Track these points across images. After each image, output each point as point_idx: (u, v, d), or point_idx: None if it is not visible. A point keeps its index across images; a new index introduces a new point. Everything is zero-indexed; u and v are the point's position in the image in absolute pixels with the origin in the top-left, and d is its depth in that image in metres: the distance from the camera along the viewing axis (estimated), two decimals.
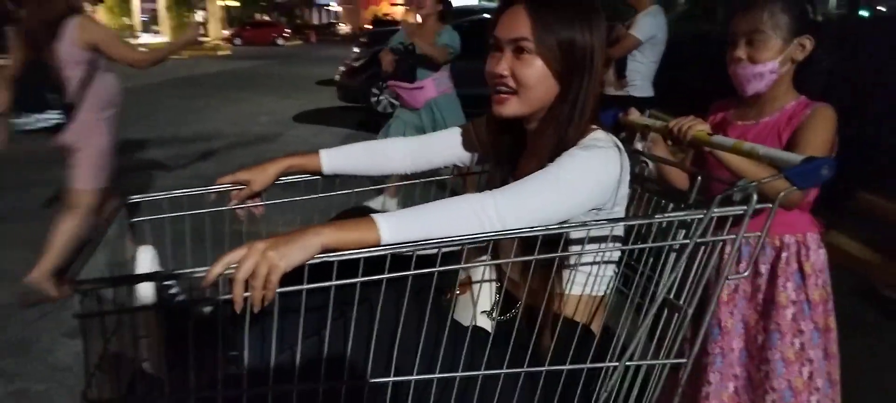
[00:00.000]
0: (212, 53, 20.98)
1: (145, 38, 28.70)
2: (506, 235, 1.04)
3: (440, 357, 1.08)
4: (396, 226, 0.99)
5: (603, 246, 1.19)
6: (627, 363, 1.17)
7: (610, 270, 1.26)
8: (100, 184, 2.97)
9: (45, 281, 2.76)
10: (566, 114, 1.19)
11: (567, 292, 1.23)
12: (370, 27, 22.35)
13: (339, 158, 1.48)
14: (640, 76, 4.40)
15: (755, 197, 1.05)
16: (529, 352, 1.13)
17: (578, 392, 1.18)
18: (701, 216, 1.07)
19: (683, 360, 1.20)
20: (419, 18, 4.11)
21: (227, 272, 0.92)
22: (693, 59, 6.84)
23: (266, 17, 37.29)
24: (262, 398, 1.07)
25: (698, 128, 1.34)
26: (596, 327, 1.27)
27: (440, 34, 4.13)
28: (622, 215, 1.21)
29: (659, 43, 4.36)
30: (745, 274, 1.12)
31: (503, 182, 1.22)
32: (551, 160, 1.15)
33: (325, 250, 0.95)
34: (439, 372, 1.09)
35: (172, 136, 7.06)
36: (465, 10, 10.83)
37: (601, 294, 1.26)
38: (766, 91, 1.55)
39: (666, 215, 1.11)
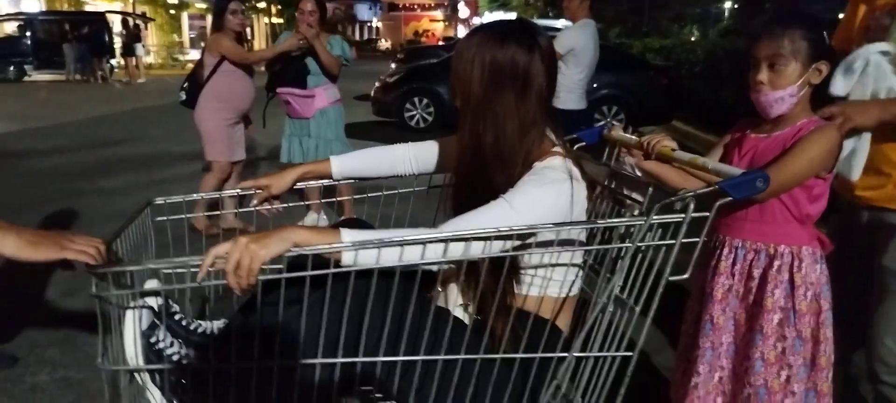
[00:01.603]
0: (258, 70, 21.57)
1: (193, 54, 29.69)
2: (451, 239, 1.16)
3: (424, 342, 1.23)
4: (355, 233, 1.15)
5: (550, 249, 1.29)
6: (575, 354, 1.26)
7: (571, 273, 1.36)
8: (219, 157, 4.09)
9: (199, 222, 3.90)
10: (469, 139, 1.31)
11: (525, 293, 1.35)
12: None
13: (347, 164, 1.66)
14: (565, 89, 4.37)
15: (692, 205, 1.14)
16: (486, 341, 1.26)
17: (543, 381, 1.29)
18: (641, 222, 1.18)
19: (630, 353, 1.27)
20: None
21: (217, 263, 1.09)
22: (735, 74, 6.77)
23: None
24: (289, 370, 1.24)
25: (663, 144, 1.47)
26: (563, 324, 1.38)
27: (331, 43, 4.07)
28: (624, 221, 1.32)
29: (580, 55, 4.36)
30: (686, 275, 1.20)
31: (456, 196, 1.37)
32: (462, 178, 1.34)
33: (297, 246, 1.11)
34: (422, 355, 1.23)
35: None
36: None
37: (562, 295, 1.37)
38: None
39: (608, 221, 1.24)
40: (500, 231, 1.16)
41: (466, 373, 1.26)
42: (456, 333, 1.25)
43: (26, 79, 16.41)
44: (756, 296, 1.67)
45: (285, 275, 1.16)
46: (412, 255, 1.16)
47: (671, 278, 1.19)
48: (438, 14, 38.81)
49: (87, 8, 22.78)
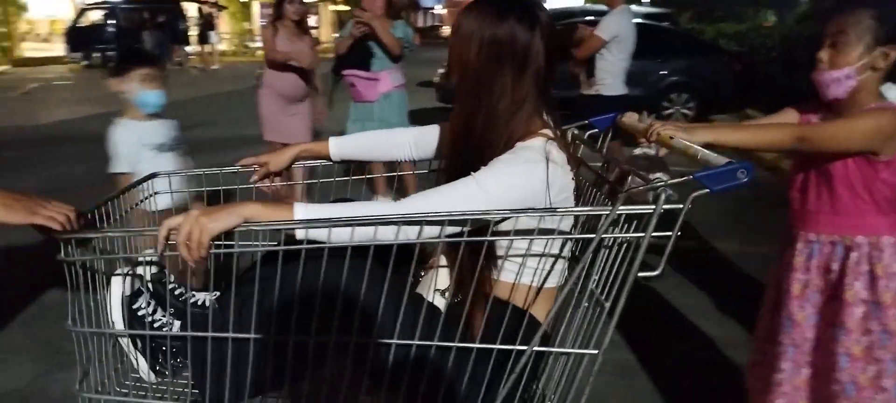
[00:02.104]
0: (324, 55, 22.04)
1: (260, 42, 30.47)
2: (407, 219, 1.13)
3: (398, 326, 1.20)
4: (308, 209, 1.14)
5: (510, 237, 1.21)
6: (536, 348, 1.19)
7: (548, 262, 1.28)
8: (272, 139, 4.29)
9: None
10: (463, 117, 1.26)
11: (501, 279, 1.28)
12: None
13: (346, 146, 1.64)
14: (610, 74, 4.41)
15: (664, 197, 1.05)
16: (462, 329, 1.22)
17: (507, 371, 1.22)
18: (607, 212, 1.10)
19: (593, 351, 1.19)
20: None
21: (171, 235, 1.12)
22: (812, 61, 6.50)
23: None
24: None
25: (664, 131, 1.44)
26: (540, 314, 1.30)
27: (394, 27, 4.11)
28: (585, 210, 1.25)
29: (624, 41, 4.37)
30: (656, 273, 1.09)
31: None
32: (454, 157, 1.28)
33: (248, 220, 1.13)
34: (395, 340, 1.21)
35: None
36: (566, 13, 10.82)
37: (534, 284, 1.28)
38: (847, 97, 1.56)
39: (572, 209, 1.19)
40: (451, 214, 1.12)
41: (437, 359, 1.22)
42: (428, 320, 1.21)
43: (109, 64, 17.30)
44: (836, 290, 1.62)
45: (260, 248, 1.20)
46: (364, 234, 1.13)
47: (640, 274, 1.10)
48: None
49: None
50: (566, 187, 1.24)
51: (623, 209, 1.08)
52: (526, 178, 1.18)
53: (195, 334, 1.29)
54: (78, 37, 17.47)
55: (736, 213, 4.61)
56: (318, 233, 1.14)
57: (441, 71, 9.88)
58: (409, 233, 1.14)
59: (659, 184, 1.06)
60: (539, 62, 1.22)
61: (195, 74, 16.18)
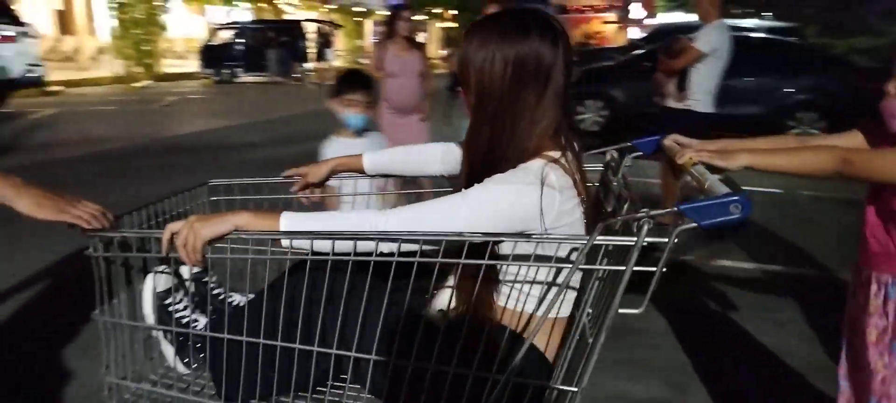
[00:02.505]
0: (433, 70, 22.66)
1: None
2: (390, 237, 1.12)
3: (396, 343, 1.22)
4: (294, 219, 1.18)
5: (491, 262, 1.16)
6: (513, 379, 1.13)
7: (547, 290, 1.22)
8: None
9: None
10: (483, 137, 1.22)
11: (501, 304, 1.25)
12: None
13: (379, 160, 1.68)
14: (702, 90, 4.19)
15: (646, 228, 0.97)
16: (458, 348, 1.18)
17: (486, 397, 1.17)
18: (584, 242, 1.04)
19: (571, 388, 1.12)
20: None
21: (178, 237, 1.19)
22: None
23: None
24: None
25: (684, 159, 1.34)
26: (542, 344, 1.26)
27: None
28: (561, 238, 1.17)
29: (722, 57, 4.13)
30: (638, 310, 1.02)
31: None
32: (469, 179, 1.21)
33: (238, 228, 1.19)
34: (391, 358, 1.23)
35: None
36: (678, 28, 10.50)
37: (528, 311, 1.24)
38: None
39: (544, 236, 1.11)
40: (426, 234, 1.10)
41: (434, 379, 1.20)
42: (425, 338, 1.20)
43: (236, 80, 18.62)
44: None
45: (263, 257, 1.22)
46: (345, 246, 1.14)
47: (621, 310, 1.03)
48: (611, 15, 37.71)
49: (286, 17, 25.39)
50: (567, 213, 1.18)
51: (600, 239, 1.02)
52: (514, 198, 1.14)
53: (212, 334, 1.36)
54: (210, 54, 18.94)
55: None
56: (302, 244, 1.16)
57: None
58: (389, 247, 1.14)
59: (641, 215, 0.98)
60: (561, 80, 1.19)
61: (312, 89, 17.11)
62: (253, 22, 21.61)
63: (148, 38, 18.07)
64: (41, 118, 10.48)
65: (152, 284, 1.42)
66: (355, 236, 1.13)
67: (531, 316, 1.23)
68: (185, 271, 1.46)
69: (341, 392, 1.36)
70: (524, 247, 1.14)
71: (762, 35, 10.38)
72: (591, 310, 1.18)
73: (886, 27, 14.76)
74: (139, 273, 1.41)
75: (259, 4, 25.97)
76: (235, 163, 7.04)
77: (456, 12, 30.40)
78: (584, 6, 37.71)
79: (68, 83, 15.47)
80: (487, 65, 1.18)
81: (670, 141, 1.45)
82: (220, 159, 7.19)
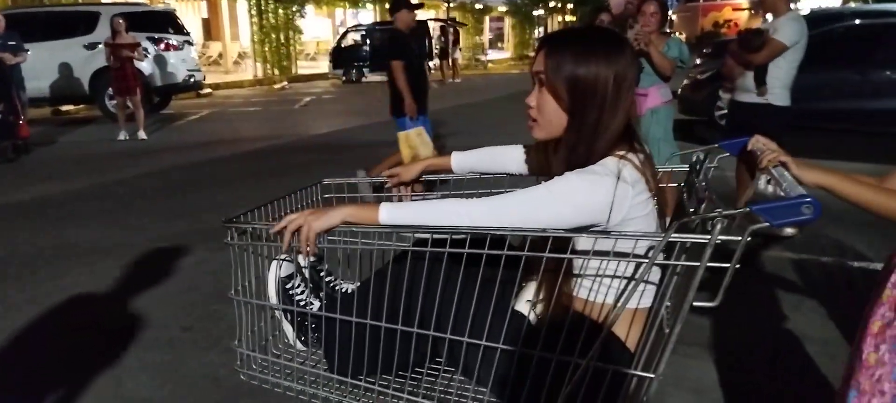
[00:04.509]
0: None
1: (492, 54, 31.92)
2: (480, 230, 1.24)
3: (486, 328, 1.33)
4: (392, 211, 1.30)
5: (573, 256, 1.28)
6: (592, 363, 1.21)
7: (624, 283, 1.30)
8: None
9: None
10: (573, 140, 1.32)
11: (582, 296, 1.35)
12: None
13: (466, 160, 1.81)
14: (780, 83, 3.96)
15: (719, 227, 1.03)
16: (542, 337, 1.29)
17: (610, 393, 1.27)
18: (660, 238, 1.12)
19: (649, 375, 1.20)
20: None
21: (289, 227, 1.32)
22: None
23: None
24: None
25: (767, 160, 1.37)
26: (623, 334, 1.35)
27: (668, 46, 4.10)
28: (638, 234, 1.25)
29: (801, 49, 3.88)
30: (713, 304, 1.07)
31: None
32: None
33: (346, 222, 1.31)
34: (482, 341, 1.33)
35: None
36: (833, 15, 9.72)
37: (608, 302, 1.32)
38: None
39: (630, 233, 1.21)
40: (501, 229, 1.23)
41: (520, 366, 1.31)
42: (511, 325, 1.34)
43: (364, 79, 19.45)
44: None
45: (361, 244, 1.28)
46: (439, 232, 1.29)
47: (695, 303, 1.08)
48: (743, 2, 35.49)
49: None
50: (640, 206, 1.27)
51: (675, 237, 1.09)
52: (590, 187, 1.24)
53: (327, 315, 1.53)
54: (340, 56, 19.91)
55: None
56: (403, 221, 1.31)
57: (686, 81, 9.51)
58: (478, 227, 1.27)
59: (715, 213, 1.04)
60: (630, 92, 1.31)
61: (436, 88, 17.54)
62: (379, 22, 22.44)
63: (285, 42, 19.32)
64: (198, 119, 11.55)
65: (276, 270, 1.57)
66: (451, 232, 1.29)
67: (612, 306, 1.32)
68: (303, 260, 1.57)
69: (436, 373, 1.50)
70: (604, 243, 1.24)
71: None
72: (669, 303, 1.24)
73: None
74: (266, 260, 1.58)
75: (384, 5, 26.92)
76: (365, 157, 7.36)
77: (575, 5, 29.91)
78: None
79: (216, 86, 16.89)
80: (591, 77, 1.29)
81: (755, 142, 1.47)
82: (352, 155, 7.57)
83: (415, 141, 4.70)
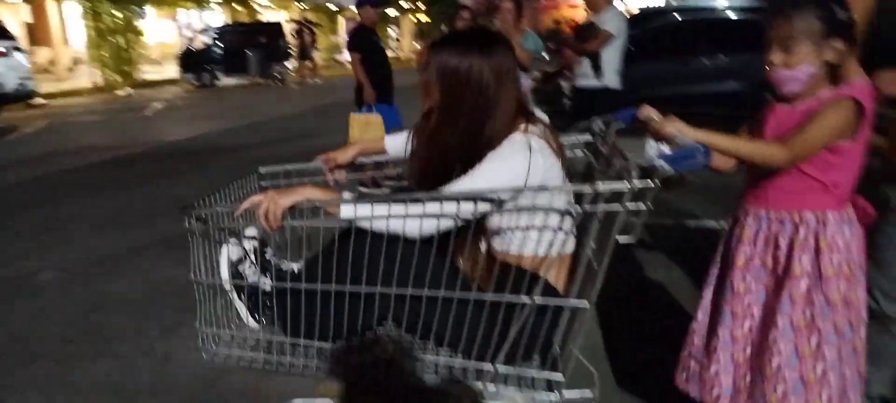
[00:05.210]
0: (406, 65, 22.88)
1: (348, 56, 31.61)
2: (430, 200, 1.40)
3: (426, 285, 1.47)
4: (353, 203, 1.43)
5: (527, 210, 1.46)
6: (536, 299, 1.40)
7: (547, 234, 1.50)
8: None
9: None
10: (458, 131, 1.50)
11: (510, 251, 1.53)
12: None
13: (398, 143, 1.92)
14: (612, 68, 4.61)
15: (635, 173, 1.25)
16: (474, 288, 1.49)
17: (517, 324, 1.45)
18: (588, 190, 1.30)
19: (584, 305, 1.39)
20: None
21: (252, 207, 1.45)
22: None
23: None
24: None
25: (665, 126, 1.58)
26: (558, 282, 1.55)
27: (525, 38, 4.59)
28: (553, 193, 1.46)
29: (624, 38, 4.59)
30: (632, 239, 1.30)
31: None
32: (430, 166, 1.55)
33: (309, 200, 1.44)
34: (421, 292, 1.48)
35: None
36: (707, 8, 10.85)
37: (539, 253, 1.51)
38: (804, 88, 1.60)
39: (561, 186, 1.45)
40: (453, 195, 1.40)
41: (457, 314, 1.46)
42: (449, 278, 1.47)
43: (217, 83, 18.64)
44: (785, 265, 1.65)
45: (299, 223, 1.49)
46: (396, 224, 1.44)
47: (619, 237, 1.30)
48: (577, 1, 38.03)
49: (259, 18, 25.39)
50: (551, 168, 1.47)
51: (602, 186, 1.27)
52: (508, 168, 1.43)
53: (277, 285, 1.62)
54: (190, 59, 18.86)
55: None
56: (362, 212, 1.44)
57: (536, 74, 10.19)
58: (429, 226, 1.43)
59: (629, 164, 1.28)
60: (513, 75, 1.52)
61: (295, 89, 17.25)
62: (231, 24, 21.56)
63: (125, 46, 18.00)
64: (34, 132, 10.54)
65: (227, 253, 1.65)
66: (405, 212, 1.42)
67: (533, 258, 1.52)
68: (248, 244, 1.68)
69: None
70: (524, 200, 1.41)
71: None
72: (594, 245, 1.40)
73: None
74: (217, 244, 1.66)
75: (232, 6, 25.90)
76: (236, 163, 7.18)
77: (427, 5, 30.59)
78: None
79: (50, 95, 15.42)
80: (465, 70, 1.47)
81: (644, 111, 1.67)
82: (221, 160, 7.37)
83: (364, 123, 4.91)
